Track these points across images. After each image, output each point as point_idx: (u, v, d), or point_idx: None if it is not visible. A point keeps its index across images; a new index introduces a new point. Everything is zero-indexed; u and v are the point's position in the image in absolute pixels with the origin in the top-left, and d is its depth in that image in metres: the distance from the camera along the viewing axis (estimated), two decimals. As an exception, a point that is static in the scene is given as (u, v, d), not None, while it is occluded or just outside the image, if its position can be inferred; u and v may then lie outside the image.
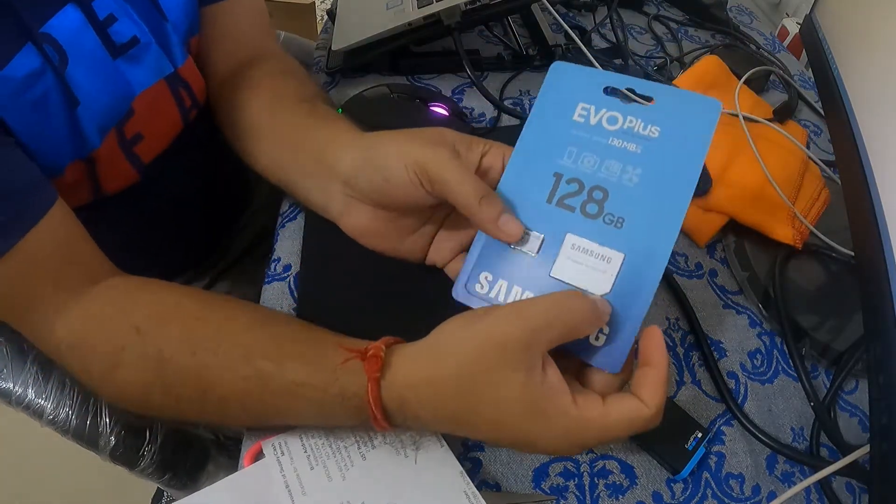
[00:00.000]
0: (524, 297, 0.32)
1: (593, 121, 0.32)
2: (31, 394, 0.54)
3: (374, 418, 0.29)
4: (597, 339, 0.30)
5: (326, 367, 0.30)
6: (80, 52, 0.37)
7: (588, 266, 0.31)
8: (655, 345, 0.29)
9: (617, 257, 0.30)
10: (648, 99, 0.32)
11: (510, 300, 0.32)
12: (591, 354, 0.30)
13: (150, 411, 0.34)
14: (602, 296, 0.30)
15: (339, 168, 0.38)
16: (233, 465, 0.33)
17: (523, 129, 0.34)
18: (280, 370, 0.30)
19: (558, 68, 0.34)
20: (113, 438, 0.55)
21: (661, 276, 0.29)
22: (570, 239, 0.31)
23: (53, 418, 0.54)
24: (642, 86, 0.32)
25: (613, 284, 0.30)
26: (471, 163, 0.34)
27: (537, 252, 0.32)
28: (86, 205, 0.44)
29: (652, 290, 0.30)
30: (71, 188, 0.41)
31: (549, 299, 0.29)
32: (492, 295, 0.32)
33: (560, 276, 0.31)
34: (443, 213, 0.38)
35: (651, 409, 0.28)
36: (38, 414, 0.54)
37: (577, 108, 0.33)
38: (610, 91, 0.33)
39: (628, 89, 0.32)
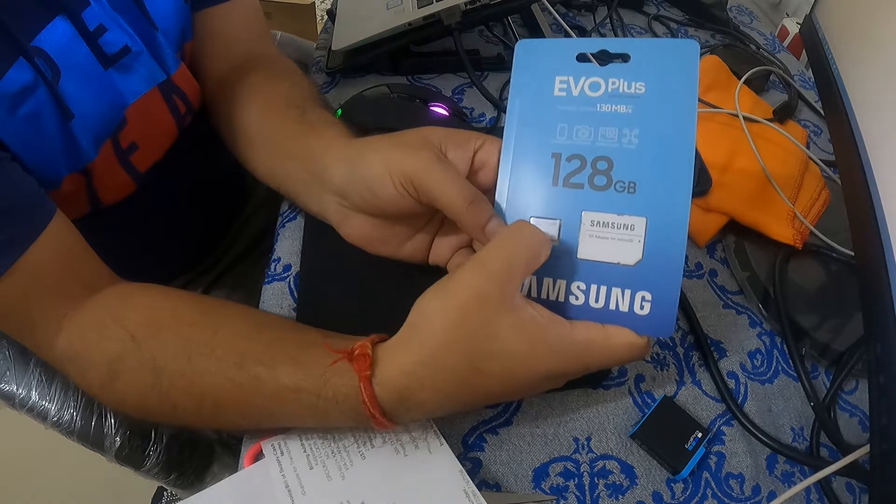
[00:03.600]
0: (557, 287, 0.31)
1: (575, 91, 0.31)
2: (34, 396, 0.54)
3: (373, 417, 0.29)
4: (641, 307, 0.30)
5: (317, 371, 0.30)
6: (71, 65, 0.37)
7: (613, 238, 0.30)
8: None
9: (639, 222, 0.30)
10: (624, 57, 0.31)
11: (545, 296, 0.31)
12: (639, 325, 0.30)
13: (150, 418, 0.35)
14: (636, 263, 0.30)
15: (329, 181, 0.37)
16: (238, 465, 0.33)
17: (506, 118, 0.33)
18: (273, 375, 0.30)
19: (524, 46, 0.33)
20: (118, 439, 0.55)
21: (687, 230, 0.29)
22: (587, 216, 0.31)
23: (58, 420, 0.54)
24: (614, 45, 0.31)
25: (644, 250, 0.30)
26: (462, 161, 0.34)
27: (558, 238, 0.31)
28: (84, 216, 0.45)
29: (682, 245, 0.29)
30: (69, 201, 0.42)
31: (501, 240, 0.29)
32: (522, 293, 0.31)
33: (588, 256, 0.31)
34: (441, 214, 0.38)
35: (643, 339, 0.30)
36: (42, 416, 0.54)
37: (555, 83, 0.32)
38: (583, 57, 0.32)
39: (601, 51, 0.31)
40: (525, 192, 0.32)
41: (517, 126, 0.33)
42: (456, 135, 0.34)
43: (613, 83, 0.31)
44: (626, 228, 0.30)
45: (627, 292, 0.30)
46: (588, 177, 0.31)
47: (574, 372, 0.30)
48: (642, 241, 0.30)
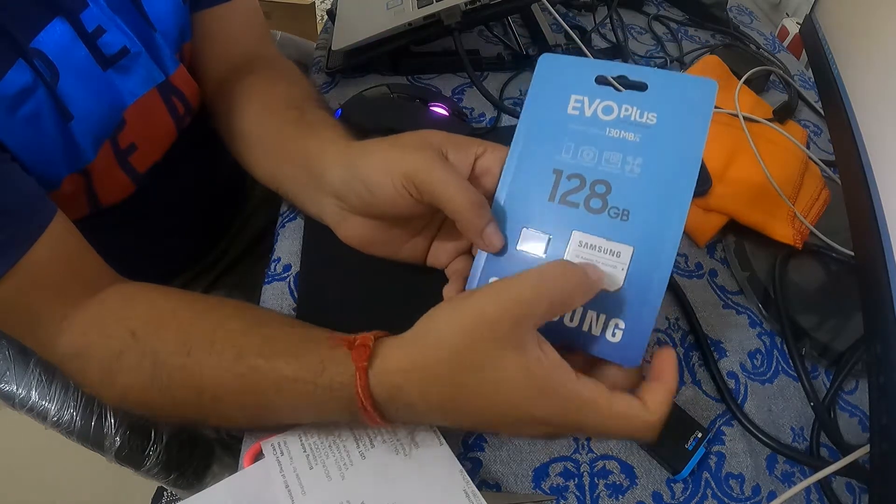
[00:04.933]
0: None
1: (588, 112, 0.32)
2: (34, 396, 0.54)
3: (364, 409, 0.29)
4: (613, 335, 0.30)
5: (315, 360, 0.30)
6: (70, 66, 0.37)
7: (598, 262, 0.30)
8: (668, 364, 0.29)
9: (626, 251, 0.30)
10: (642, 85, 0.31)
11: None
12: (608, 351, 0.30)
13: (151, 413, 0.35)
14: (615, 291, 0.30)
15: (327, 183, 0.37)
16: (237, 465, 0.33)
17: (517, 126, 0.33)
18: (271, 366, 0.30)
19: (547, 60, 0.33)
20: (118, 439, 0.55)
21: (672, 265, 0.29)
22: (577, 236, 0.31)
23: (58, 420, 0.54)
24: (634, 72, 0.31)
25: (625, 278, 0.30)
26: (463, 165, 0.34)
27: (545, 252, 0.31)
28: (83, 217, 0.44)
29: (664, 279, 0.29)
30: (69, 201, 0.42)
31: (535, 272, 0.28)
32: None
33: None
34: (440, 217, 0.38)
35: (653, 416, 0.28)
36: (42, 416, 0.54)
37: (570, 101, 0.32)
38: (602, 80, 0.32)
39: (621, 77, 0.32)
40: (522, 202, 0.32)
41: (525, 136, 0.33)
42: (456, 138, 0.34)
43: (626, 110, 0.31)
44: (613, 255, 0.30)
45: (602, 317, 0.30)
46: (585, 198, 0.31)
47: (566, 428, 0.28)
48: (626, 269, 0.30)
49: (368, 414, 0.29)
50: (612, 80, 0.32)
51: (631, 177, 0.30)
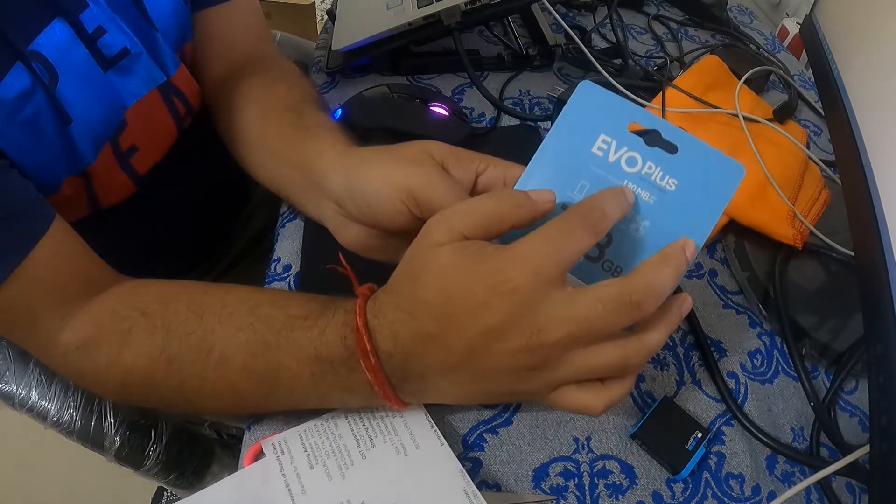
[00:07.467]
0: None
1: (612, 158, 0.30)
2: (34, 396, 0.54)
3: (356, 329, 0.29)
4: None
5: (325, 301, 0.32)
6: (70, 68, 0.36)
7: None
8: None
9: None
10: (672, 147, 0.30)
11: None
12: None
13: (152, 390, 0.35)
14: None
15: (327, 189, 0.38)
16: (237, 465, 0.34)
17: (539, 150, 0.31)
18: (282, 312, 0.32)
19: (586, 89, 0.31)
20: (118, 439, 0.55)
21: None
22: (568, 278, 0.29)
23: (58, 420, 0.54)
24: (670, 131, 0.30)
25: None
26: (464, 180, 0.33)
27: None
28: (83, 218, 0.45)
29: None
30: (68, 203, 0.42)
31: (479, 197, 0.29)
32: None
33: None
34: None
35: (635, 281, 0.26)
36: (41, 416, 0.54)
37: (597, 140, 0.31)
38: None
39: (654, 131, 0.30)
40: (523, 231, 0.31)
41: (544, 164, 0.31)
42: (458, 152, 0.34)
43: (650, 168, 0.30)
44: None
45: None
46: None
47: (525, 322, 0.26)
48: None
49: (358, 333, 0.28)
50: (642, 133, 0.30)
51: (633, 236, 0.30)
